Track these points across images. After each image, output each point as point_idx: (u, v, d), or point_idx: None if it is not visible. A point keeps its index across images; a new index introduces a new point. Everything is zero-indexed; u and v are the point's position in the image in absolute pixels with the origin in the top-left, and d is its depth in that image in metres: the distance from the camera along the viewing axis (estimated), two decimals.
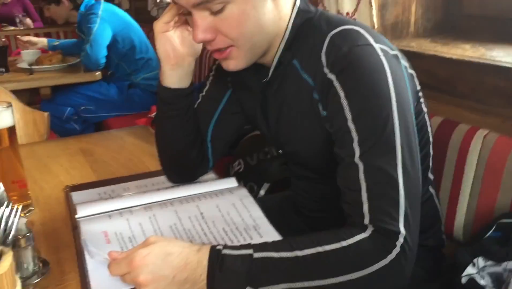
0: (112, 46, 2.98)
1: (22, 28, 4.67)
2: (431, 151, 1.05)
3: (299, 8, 0.92)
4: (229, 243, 0.85)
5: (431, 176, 1.07)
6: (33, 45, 3.13)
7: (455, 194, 1.22)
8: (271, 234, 0.89)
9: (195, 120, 1.07)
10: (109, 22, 2.94)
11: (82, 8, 3.01)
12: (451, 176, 1.23)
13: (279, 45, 0.92)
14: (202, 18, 0.84)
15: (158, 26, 0.95)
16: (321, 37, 0.88)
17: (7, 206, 0.71)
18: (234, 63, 0.91)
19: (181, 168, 1.11)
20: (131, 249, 0.79)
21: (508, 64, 1.26)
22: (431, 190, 1.08)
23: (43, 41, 3.24)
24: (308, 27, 0.92)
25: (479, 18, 1.63)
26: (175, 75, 0.99)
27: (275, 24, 0.90)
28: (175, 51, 0.96)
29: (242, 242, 0.87)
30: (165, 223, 0.93)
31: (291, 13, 0.92)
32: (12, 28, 4.74)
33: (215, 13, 0.83)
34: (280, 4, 0.89)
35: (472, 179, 1.18)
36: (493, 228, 1.03)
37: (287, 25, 0.92)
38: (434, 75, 1.44)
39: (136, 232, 0.91)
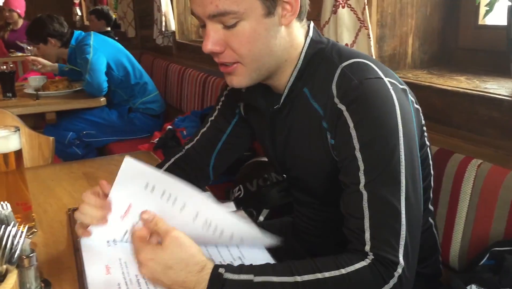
0: (107, 73, 3.05)
1: (29, 54, 4.77)
2: (432, 183, 1.06)
3: (311, 38, 0.95)
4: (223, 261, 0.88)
5: (431, 207, 1.09)
6: (43, 66, 3.19)
7: (451, 223, 1.23)
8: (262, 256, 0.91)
9: None
10: (101, 51, 3.04)
11: (73, 42, 3.09)
12: (446, 205, 1.24)
13: (292, 74, 0.95)
14: (214, 30, 0.88)
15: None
16: (333, 68, 0.91)
17: (13, 226, 0.74)
18: (238, 79, 0.93)
19: None
20: (156, 228, 0.83)
21: (501, 96, 1.29)
22: (431, 220, 1.10)
23: (54, 65, 3.30)
24: (320, 57, 0.94)
25: (474, 51, 1.68)
26: None
27: (286, 51, 0.92)
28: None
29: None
30: None
31: (304, 43, 0.95)
32: (20, 54, 4.84)
33: (227, 27, 0.87)
34: (294, 33, 0.93)
35: (467, 207, 1.20)
36: (487, 256, 1.04)
37: (300, 54, 0.94)
38: (429, 105, 1.47)
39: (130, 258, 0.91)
